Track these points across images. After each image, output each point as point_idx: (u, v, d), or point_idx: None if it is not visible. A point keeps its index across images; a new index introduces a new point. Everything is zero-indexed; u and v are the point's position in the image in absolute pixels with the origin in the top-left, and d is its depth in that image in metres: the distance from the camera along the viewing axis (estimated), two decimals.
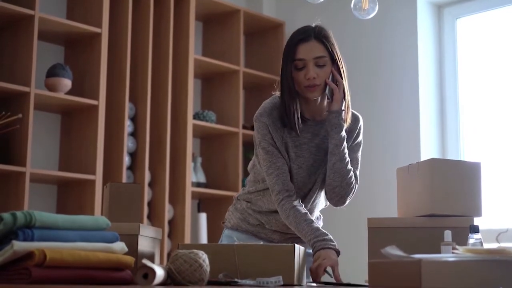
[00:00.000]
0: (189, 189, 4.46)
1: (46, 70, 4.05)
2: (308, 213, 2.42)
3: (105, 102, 4.15)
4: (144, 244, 2.06)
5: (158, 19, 4.54)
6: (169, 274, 1.75)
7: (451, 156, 4.42)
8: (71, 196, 4.16)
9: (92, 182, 4.03)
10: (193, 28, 4.64)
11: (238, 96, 4.81)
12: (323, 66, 2.43)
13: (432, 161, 2.17)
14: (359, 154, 2.57)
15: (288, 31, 5.07)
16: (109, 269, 1.73)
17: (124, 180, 4.16)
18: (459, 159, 4.31)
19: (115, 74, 4.26)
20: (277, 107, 2.48)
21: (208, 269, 1.78)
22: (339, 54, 2.48)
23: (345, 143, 2.45)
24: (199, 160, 4.73)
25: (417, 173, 2.21)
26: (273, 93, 2.54)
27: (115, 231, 1.81)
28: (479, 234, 2.02)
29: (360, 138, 2.58)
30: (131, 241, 1.96)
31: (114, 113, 4.24)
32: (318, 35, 2.43)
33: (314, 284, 2.20)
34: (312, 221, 2.37)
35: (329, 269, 2.26)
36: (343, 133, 2.45)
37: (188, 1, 4.63)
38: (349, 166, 2.46)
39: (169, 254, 4.32)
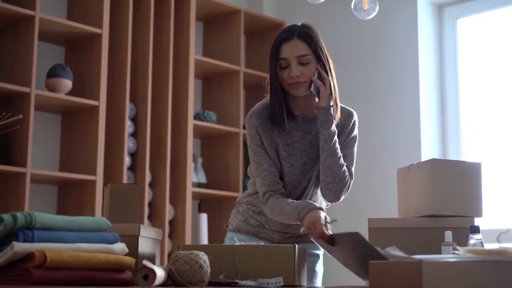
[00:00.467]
0: (189, 190, 4.46)
1: (46, 70, 4.05)
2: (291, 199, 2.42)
3: (106, 102, 4.15)
4: (144, 245, 2.06)
5: (159, 20, 4.54)
6: (169, 275, 1.75)
7: (451, 156, 4.42)
8: (71, 197, 4.15)
9: (93, 183, 4.03)
10: (194, 28, 4.64)
11: (239, 96, 4.81)
12: (307, 64, 2.45)
13: (432, 161, 2.17)
14: (354, 149, 2.56)
15: None
16: (109, 270, 1.73)
17: (124, 180, 4.16)
18: (460, 160, 4.31)
19: (115, 75, 4.26)
20: (267, 107, 2.52)
21: (208, 270, 1.78)
22: (324, 51, 2.49)
23: (335, 138, 2.46)
24: (200, 160, 4.73)
25: (418, 173, 2.21)
26: (265, 95, 2.57)
27: (115, 232, 1.81)
28: (480, 234, 2.02)
29: (355, 133, 2.57)
30: (132, 242, 1.96)
31: (115, 113, 4.23)
32: (301, 34, 2.46)
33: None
34: (293, 201, 2.38)
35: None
36: (333, 129, 2.45)
37: (189, 1, 4.63)
38: (342, 162, 2.46)
39: (169, 255, 4.32)
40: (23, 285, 1.59)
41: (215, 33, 5.02)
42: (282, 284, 1.87)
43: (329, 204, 2.62)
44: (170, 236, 4.45)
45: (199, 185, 4.63)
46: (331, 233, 2.20)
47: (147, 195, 4.31)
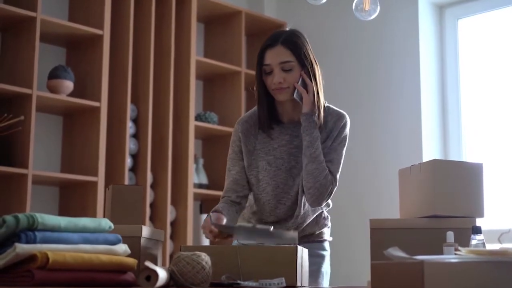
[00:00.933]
0: (191, 191, 4.46)
1: (48, 72, 4.05)
2: (232, 210, 2.52)
3: (107, 103, 4.16)
4: (146, 246, 2.06)
5: (160, 21, 4.55)
6: (171, 276, 1.75)
7: (452, 157, 4.42)
8: (73, 198, 4.16)
9: (94, 184, 4.03)
10: (195, 29, 4.65)
11: (240, 97, 4.81)
12: (290, 71, 2.47)
13: (434, 162, 2.17)
14: (342, 153, 2.55)
15: None
16: (111, 272, 1.73)
17: (126, 181, 4.16)
18: (461, 160, 4.31)
19: (117, 76, 4.26)
20: (256, 114, 2.58)
21: (210, 271, 1.78)
22: (310, 57, 2.50)
23: (318, 143, 2.46)
24: (201, 161, 4.73)
25: (419, 174, 2.21)
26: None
27: (117, 233, 1.82)
28: (482, 235, 2.01)
29: (343, 135, 2.55)
30: (134, 243, 1.97)
31: (116, 114, 4.24)
32: (285, 40, 2.48)
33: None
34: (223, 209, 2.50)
35: None
36: (315, 134, 2.46)
37: (190, 2, 4.63)
38: (324, 167, 2.46)
39: (171, 256, 4.32)
40: (25, 286, 1.60)
41: (216, 34, 5.02)
42: (284, 284, 1.87)
43: (330, 205, 2.62)
44: (171, 237, 4.45)
45: (200, 186, 4.63)
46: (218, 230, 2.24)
47: (149, 196, 4.31)
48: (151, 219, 4.37)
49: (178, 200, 4.47)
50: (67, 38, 4.22)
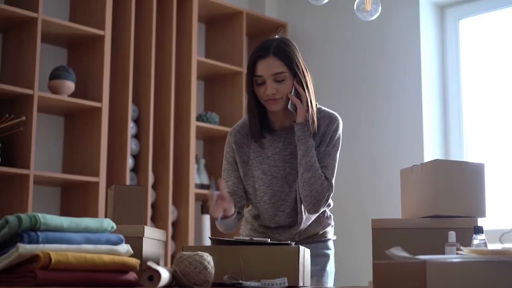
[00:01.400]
0: (192, 191, 4.46)
1: (49, 72, 4.06)
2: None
3: (108, 104, 4.16)
4: (149, 246, 2.06)
5: (161, 21, 4.55)
6: (174, 276, 1.75)
7: (454, 157, 4.42)
8: (74, 199, 4.16)
9: (96, 184, 4.04)
10: (196, 29, 4.65)
11: (241, 98, 4.81)
12: (282, 81, 2.44)
13: (436, 162, 2.17)
14: (336, 157, 2.53)
15: (291, 32, 5.07)
16: (114, 272, 1.73)
17: (127, 182, 4.16)
18: (463, 160, 4.31)
19: (118, 76, 4.27)
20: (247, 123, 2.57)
21: (213, 271, 1.78)
22: (301, 66, 2.47)
23: (313, 151, 2.45)
24: (202, 161, 4.73)
25: (421, 174, 2.21)
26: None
27: (119, 233, 1.82)
28: (483, 235, 2.01)
29: (336, 138, 2.53)
30: (136, 243, 1.97)
31: (118, 115, 4.24)
32: (276, 50, 2.44)
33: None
34: None
35: None
36: (310, 142, 2.45)
37: (191, 2, 4.64)
38: (320, 174, 2.45)
39: (173, 256, 4.32)
40: (28, 286, 1.60)
41: (217, 34, 5.03)
42: (286, 284, 1.87)
43: (331, 205, 2.62)
44: (173, 238, 4.45)
45: (201, 186, 4.63)
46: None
47: (150, 196, 4.31)
48: (152, 219, 4.37)
49: (180, 200, 4.47)
50: (68, 38, 4.23)
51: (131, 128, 4.28)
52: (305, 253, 2.07)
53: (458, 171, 2.17)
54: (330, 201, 2.59)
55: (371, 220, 2.19)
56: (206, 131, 4.71)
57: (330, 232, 2.65)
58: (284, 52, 2.44)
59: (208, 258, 1.78)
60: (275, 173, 2.52)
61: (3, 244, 1.64)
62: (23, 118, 3.79)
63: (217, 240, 2.09)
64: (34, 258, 1.61)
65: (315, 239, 2.58)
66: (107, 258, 1.71)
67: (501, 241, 1.77)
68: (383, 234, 2.15)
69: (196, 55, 4.62)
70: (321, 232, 2.61)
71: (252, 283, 1.86)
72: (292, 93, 2.44)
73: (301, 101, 2.45)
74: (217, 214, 2.36)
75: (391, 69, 4.62)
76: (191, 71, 4.57)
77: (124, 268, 1.75)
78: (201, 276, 1.74)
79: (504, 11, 4.41)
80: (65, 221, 1.70)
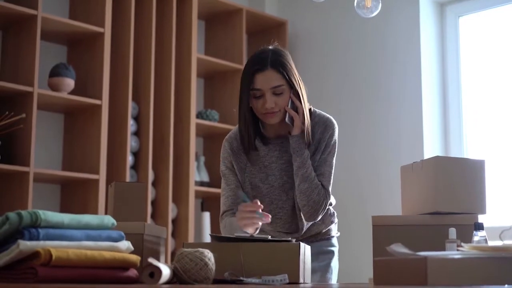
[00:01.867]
0: (192, 188, 4.46)
1: (49, 70, 4.06)
2: None
3: (108, 101, 4.16)
4: (149, 243, 2.06)
5: (161, 18, 4.55)
6: (175, 273, 1.75)
7: (454, 154, 4.42)
8: (74, 196, 4.16)
9: (96, 182, 4.04)
10: (196, 27, 4.65)
11: None
12: (281, 94, 2.42)
13: (436, 158, 2.17)
14: (332, 164, 2.52)
15: (291, 30, 5.07)
16: (114, 268, 1.73)
17: (127, 179, 4.16)
18: (463, 157, 4.31)
19: (118, 74, 4.27)
20: None
21: (213, 267, 1.78)
22: (297, 78, 2.46)
23: (308, 162, 2.44)
24: (202, 159, 4.73)
25: (421, 171, 2.21)
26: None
27: (120, 230, 1.82)
28: (484, 231, 2.02)
29: (332, 144, 2.52)
30: (137, 240, 1.97)
31: (117, 112, 4.24)
32: (274, 63, 2.41)
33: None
34: None
35: None
36: (306, 154, 2.44)
37: (191, 0, 4.63)
38: (316, 184, 2.45)
39: (173, 253, 4.33)
40: (28, 283, 1.60)
41: (217, 31, 5.02)
42: (287, 281, 1.87)
43: (334, 202, 2.62)
44: (173, 235, 4.46)
45: (201, 183, 4.63)
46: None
47: (150, 193, 4.31)
48: (152, 216, 4.37)
49: (180, 197, 4.47)
50: (68, 36, 4.23)
51: (131, 125, 4.28)
52: (305, 250, 2.07)
53: (458, 167, 2.17)
54: (333, 199, 2.59)
55: (371, 217, 2.19)
56: (206, 128, 4.71)
57: (334, 229, 2.65)
58: (281, 65, 2.42)
59: (209, 254, 1.78)
60: (272, 182, 2.52)
61: (3, 241, 1.64)
62: (23, 115, 3.79)
63: (217, 237, 2.09)
64: (35, 254, 1.61)
65: (318, 237, 2.58)
66: (107, 254, 1.71)
67: (501, 238, 1.77)
68: (384, 231, 2.15)
69: (196, 53, 4.62)
70: (324, 230, 2.60)
71: (253, 280, 1.86)
72: (289, 106, 2.43)
73: (297, 113, 2.44)
74: (252, 230, 2.30)
75: (391, 66, 4.62)
76: (191, 68, 4.57)
77: (125, 265, 1.75)
78: (202, 272, 1.74)
79: (504, 8, 4.41)
80: (66, 218, 1.70)
